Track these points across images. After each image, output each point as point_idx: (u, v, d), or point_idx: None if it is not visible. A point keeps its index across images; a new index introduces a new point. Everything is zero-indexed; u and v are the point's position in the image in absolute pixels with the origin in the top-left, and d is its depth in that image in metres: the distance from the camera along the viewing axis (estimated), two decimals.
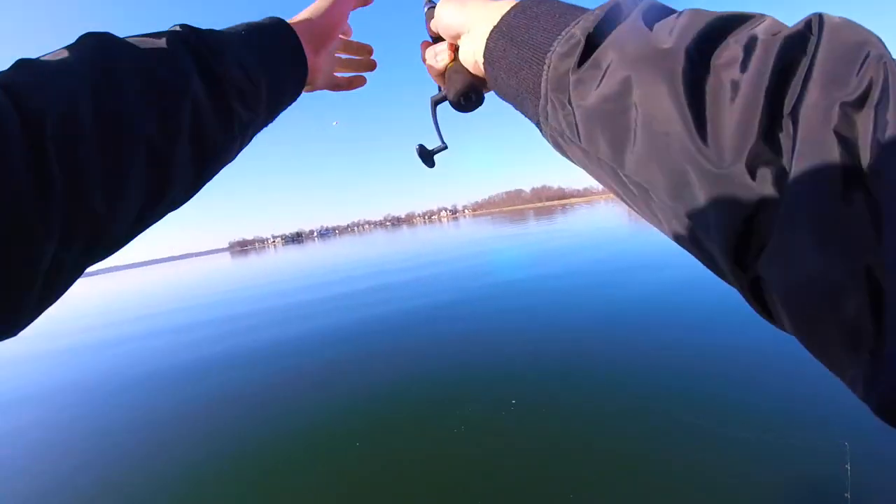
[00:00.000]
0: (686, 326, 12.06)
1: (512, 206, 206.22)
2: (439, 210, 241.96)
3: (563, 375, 10.64)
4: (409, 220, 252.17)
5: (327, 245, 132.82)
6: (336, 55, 0.89)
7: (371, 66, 0.96)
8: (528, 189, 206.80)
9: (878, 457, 5.83)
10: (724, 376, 8.65)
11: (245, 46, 0.65)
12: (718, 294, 16.59)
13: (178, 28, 0.58)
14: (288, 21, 0.77)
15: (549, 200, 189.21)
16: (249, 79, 0.64)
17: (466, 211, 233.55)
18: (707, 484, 6.70)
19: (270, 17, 0.76)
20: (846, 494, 4.69)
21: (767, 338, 10.30)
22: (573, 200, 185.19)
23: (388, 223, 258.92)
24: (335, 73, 0.89)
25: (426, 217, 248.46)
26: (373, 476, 8.08)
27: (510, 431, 8.03)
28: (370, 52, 0.96)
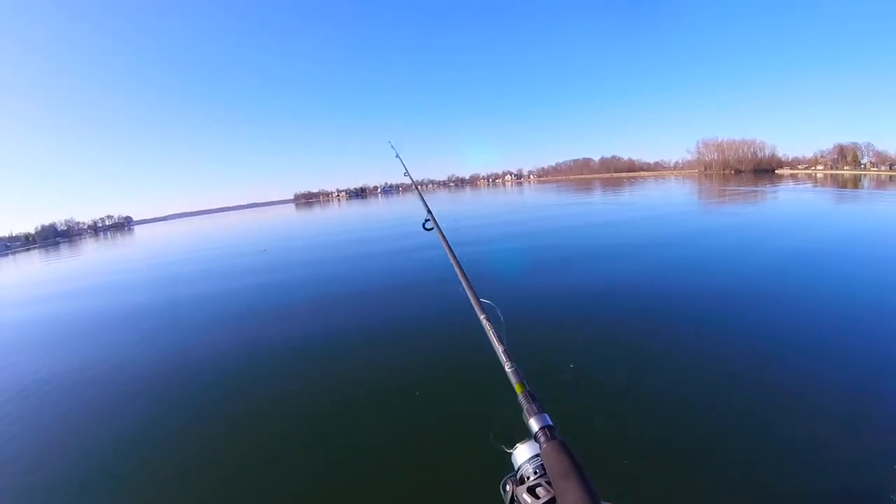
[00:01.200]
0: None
1: (579, 174, 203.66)
2: (504, 174, 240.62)
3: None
4: (473, 181, 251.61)
5: (390, 201, 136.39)
6: None
7: None
8: (596, 159, 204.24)
9: None
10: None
11: None
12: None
13: None
14: None
15: (618, 172, 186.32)
16: None
17: (532, 176, 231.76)
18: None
19: None
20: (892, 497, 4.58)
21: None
22: (643, 174, 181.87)
23: (451, 184, 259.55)
24: None
25: (490, 180, 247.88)
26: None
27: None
28: None
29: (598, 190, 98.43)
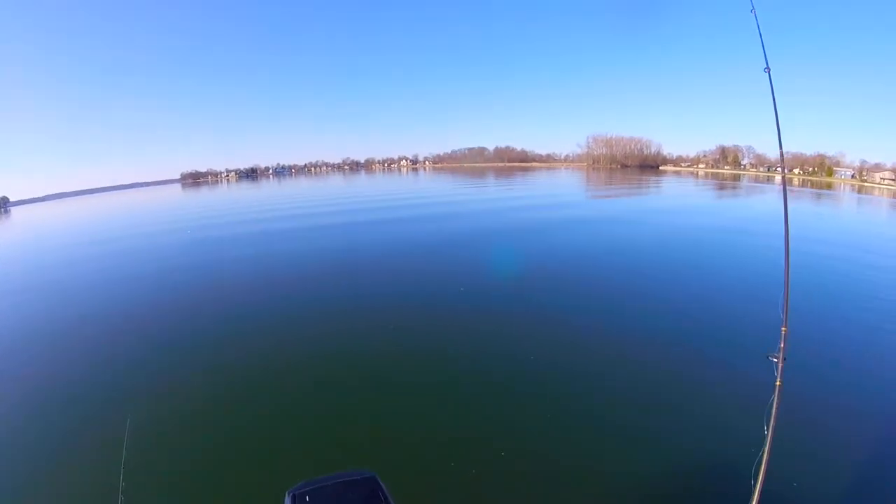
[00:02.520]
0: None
1: (474, 163, 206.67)
2: (400, 159, 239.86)
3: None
4: (368, 165, 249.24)
5: (283, 184, 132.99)
6: None
7: None
8: (491, 148, 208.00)
9: None
10: None
11: None
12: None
13: None
14: None
15: (512, 162, 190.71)
16: None
17: (427, 163, 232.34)
18: None
19: None
20: None
21: None
22: (535, 165, 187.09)
23: (346, 167, 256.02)
24: None
25: (386, 164, 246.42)
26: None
27: None
28: None
29: (492, 179, 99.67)
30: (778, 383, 3.85)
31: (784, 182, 4.29)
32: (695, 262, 20.53)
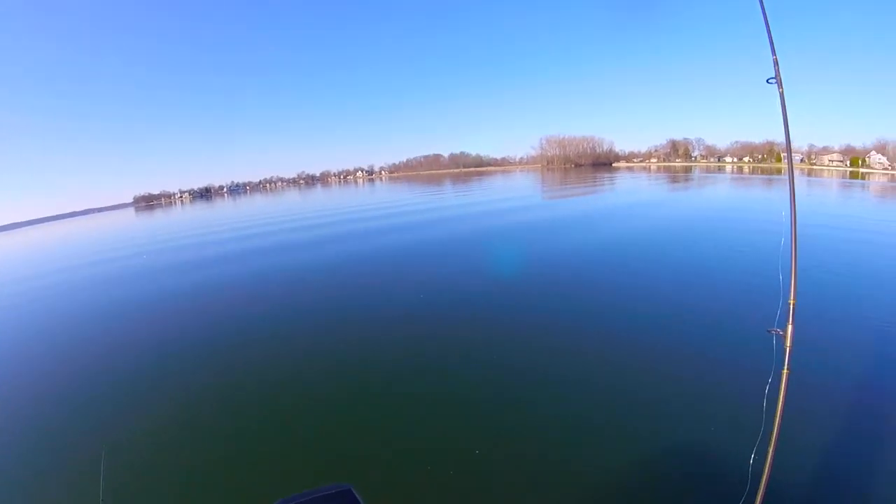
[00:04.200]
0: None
1: (430, 170, 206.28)
2: (355, 170, 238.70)
3: None
4: (324, 179, 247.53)
5: (238, 202, 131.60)
6: None
7: None
8: (446, 154, 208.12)
9: None
10: None
11: None
12: None
13: None
14: None
15: (467, 167, 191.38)
16: None
17: (383, 173, 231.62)
18: None
19: None
20: None
21: None
22: (490, 169, 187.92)
23: (301, 181, 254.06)
24: None
25: (342, 177, 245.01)
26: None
27: None
28: None
29: (450, 186, 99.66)
30: (785, 371, 3.48)
31: (790, 165, 3.94)
32: (677, 254, 20.39)
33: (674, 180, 79.88)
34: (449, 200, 60.98)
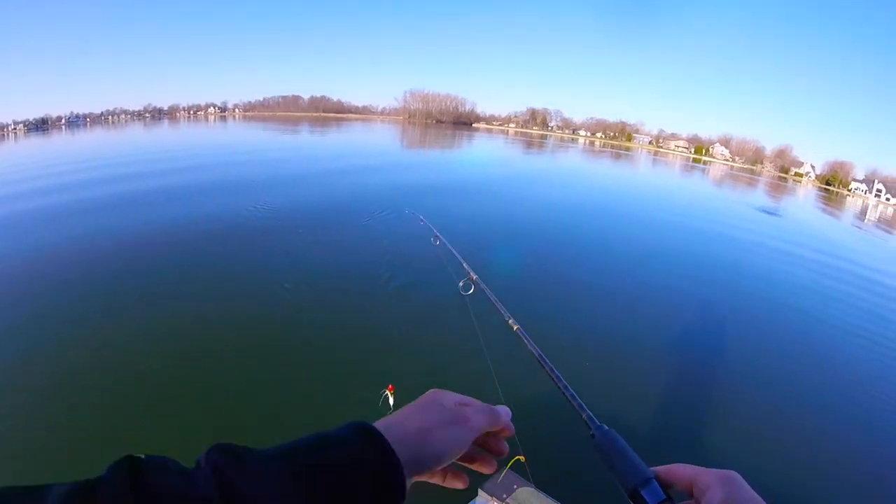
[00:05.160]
0: None
1: (287, 112, 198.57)
2: (207, 106, 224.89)
3: None
4: (172, 113, 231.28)
5: (78, 133, 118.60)
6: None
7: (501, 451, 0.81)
8: (306, 97, 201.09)
9: None
10: None
11: (306, 480, 0.55)
12: None
13: (200, 479, 0.50)
14: (379, 429, 0.63)
15: (327, 112, 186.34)
16: None
17: (237, 111, 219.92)
18: None
19: (353, 429, 0.63)
20: None
21: None
22: (351, 116, 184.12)
23: (147, 115, 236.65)
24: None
25: (191, 112, 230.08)
26: None
27: None
28: (506, 435, 0.82)
29: (306, 130, 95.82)
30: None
31: None
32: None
33: (529, 145, 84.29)
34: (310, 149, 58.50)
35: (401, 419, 0.66)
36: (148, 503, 0.44)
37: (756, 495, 0.59)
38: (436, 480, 0.73)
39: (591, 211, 24.64)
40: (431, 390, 0.71)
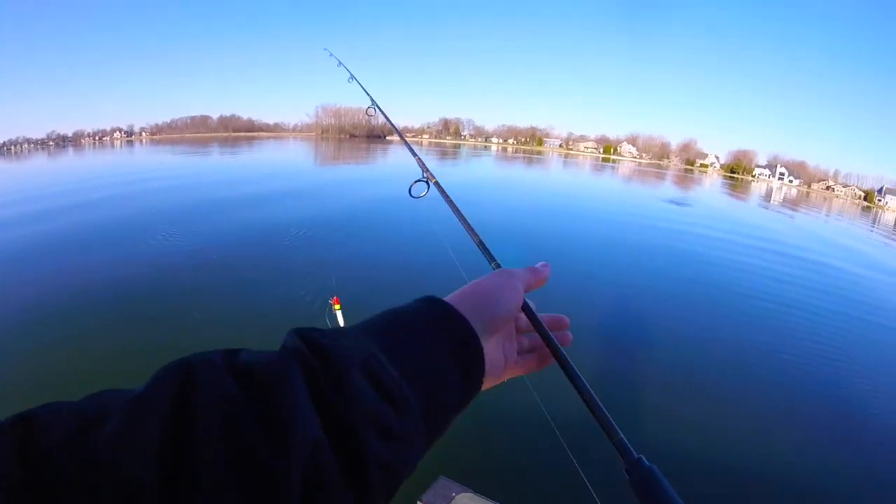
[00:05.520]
0: None
1: (196, 133, 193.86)
2: (113, 131, 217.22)
3: None
4: (77, 139, 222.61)
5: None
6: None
7: (565, 340, 0.78)
8: (215, 117, 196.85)
9: None
10: None
11: (389, 353, 0.53)
12: None
13: (289, 345, 0.50)
14: (446, 300, 0.64)
15: (238, 132, 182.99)
16: (395, 405, 0.51)
17: (144, 135, 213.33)
18: None
19: (420, 300, 0.64)
20: None
21: None
22: (262, 134, 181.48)
23: (51, 143, 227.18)
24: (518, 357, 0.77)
25: (97, 138, 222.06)
26: None
27: None
28: (566, 325, 0.81)
29: (217, 152, 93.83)
30: None
31: None
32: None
33: (443, 154, 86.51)
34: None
35: (454, 295, 0.68)
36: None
37: None
38: (514, 372, 0.75)
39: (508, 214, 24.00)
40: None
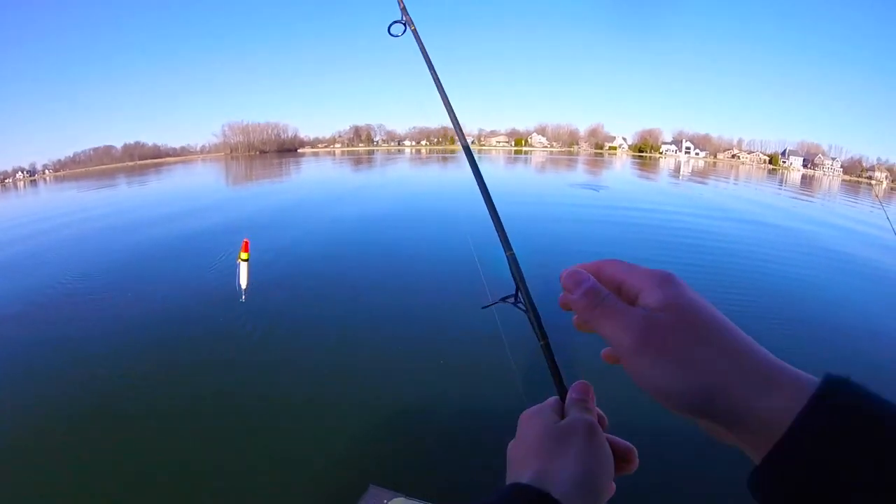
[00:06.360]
0: None
1: (101, 164, 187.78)
2: (14, 172, 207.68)
3: None
4: None
5: None
6: None
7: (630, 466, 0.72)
8: (119, 146, 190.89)
9: None
10: None
11: None
12: None
13: None
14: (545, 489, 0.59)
15: (143, 160, 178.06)
16: None
17: (48, 173, 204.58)
18: None
19: (511, 489, 0.61)
20: None
21: None
22: (169, 160, 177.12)
23: None
24: None
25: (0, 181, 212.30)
26: None
27: None
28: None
29: (122, 182, 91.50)
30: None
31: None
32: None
33: (358, 162, 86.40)
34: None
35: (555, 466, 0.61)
36: None
37: (698, 295, 0.53)
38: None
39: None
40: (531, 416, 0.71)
